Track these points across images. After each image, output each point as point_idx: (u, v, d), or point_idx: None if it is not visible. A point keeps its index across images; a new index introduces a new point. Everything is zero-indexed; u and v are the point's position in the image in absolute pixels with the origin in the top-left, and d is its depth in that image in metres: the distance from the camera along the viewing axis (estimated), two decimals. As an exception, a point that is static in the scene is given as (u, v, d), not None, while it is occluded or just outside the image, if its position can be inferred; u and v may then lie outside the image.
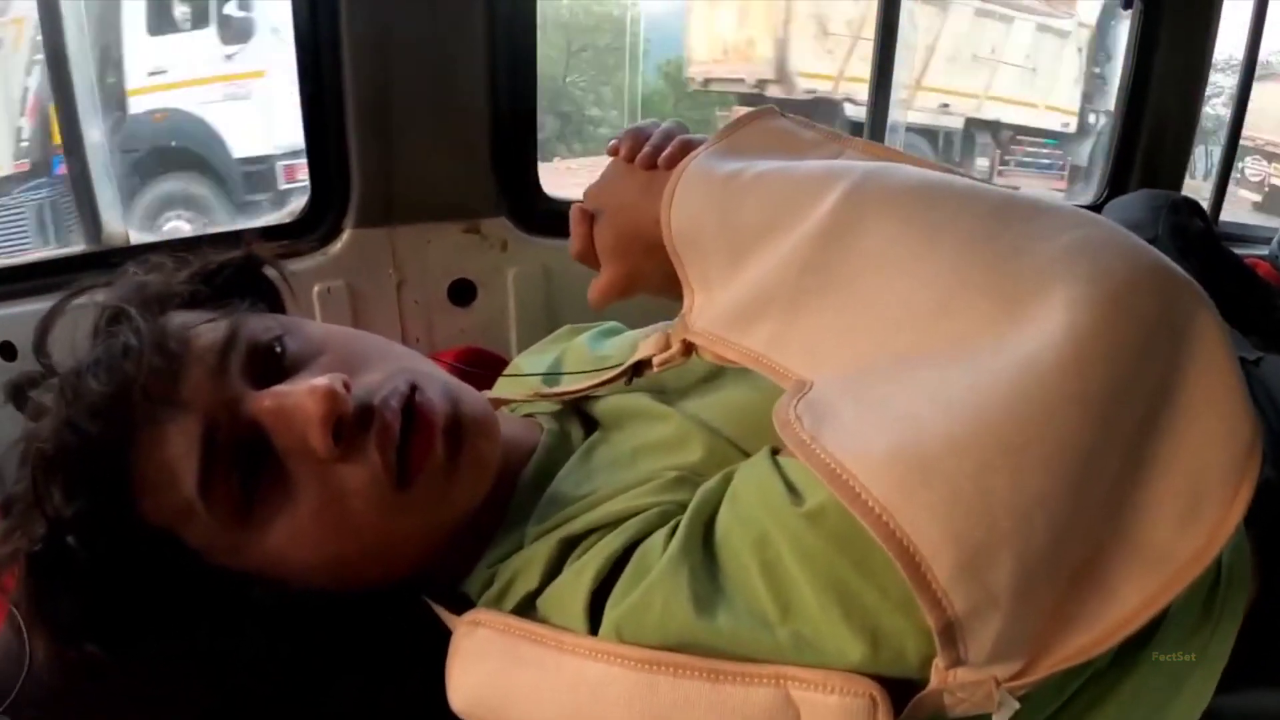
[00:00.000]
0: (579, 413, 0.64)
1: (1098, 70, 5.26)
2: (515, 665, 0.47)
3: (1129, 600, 0.36)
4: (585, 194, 0.65)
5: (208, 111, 3.14)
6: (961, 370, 0.38)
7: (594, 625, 0.45)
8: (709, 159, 0.54)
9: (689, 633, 0.41)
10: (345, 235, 1.05)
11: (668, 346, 0.56)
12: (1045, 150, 5.37)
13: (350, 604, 0.54)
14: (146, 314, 0.48)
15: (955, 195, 0.44)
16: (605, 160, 0.65)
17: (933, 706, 0.38)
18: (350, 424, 0.46)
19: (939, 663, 0.37)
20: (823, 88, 4.97)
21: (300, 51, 1.00)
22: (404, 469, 0.47)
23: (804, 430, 0.39)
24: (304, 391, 0.46)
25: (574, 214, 0.64)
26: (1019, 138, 5.29)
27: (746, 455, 0.50)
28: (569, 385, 0.66)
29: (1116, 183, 1.55)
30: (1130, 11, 1.49)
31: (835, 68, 4.91)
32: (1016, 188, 0.46)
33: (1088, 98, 5.34)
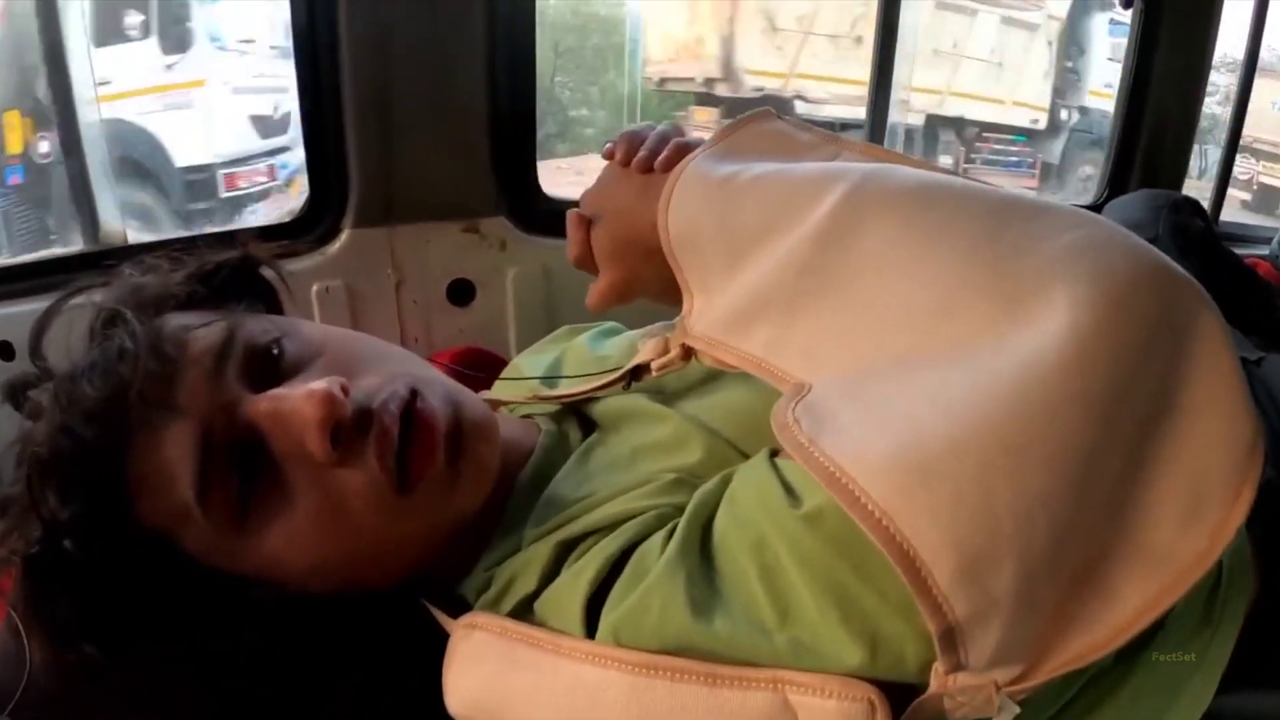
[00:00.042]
0: (577, 414, 0.64)
1: (1070, 64, 5.17)
2: (512, 668, 0.47)
3: (1130, 602, 0.36)
4: (582, 199, 0.65)
5: (150, 121, 3.17)
6: (962, 371, 0.37)
7: (591, 628, 0.45)
8: (705, 162, 0.54)
9: (686, 636, 0.41)
10: (344, 235, 1.05)
11: (666, 350, 0.56)
12: (1014, 148, 5.23)
13: (347, 606, 0.53)
14: (142, 316, 0.48)
15: (955, 196, 0.44)
16: (592, 159, 0.65)
17: (932, 711, 0.38)
18: (348, 428, 0.46)
19: (939, 667, 0.37)
20: (772, 85, 4.85)
21: (299, 51, 1.00)
22: (404, 474, 0.47)
23: (802, 433, 0.39)
24: (301, 395, 0.46)
25: (571, 219, 0.64)
26: (985, 135, 5.15)
27: (746, 457, 0.49)
28: (567, 388, 0.66)
29: (1116, 183, 1.55)
30: (1127, 11, 1.49)
31: (785, 64, 4.79)
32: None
33: (1060, 93, 5.21)
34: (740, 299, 0.50)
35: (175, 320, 0.50)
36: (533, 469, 0.57)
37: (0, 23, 2.31)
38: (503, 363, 0.88)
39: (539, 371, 0.72)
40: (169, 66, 3.14)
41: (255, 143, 3.37)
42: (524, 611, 0.49)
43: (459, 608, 0.53)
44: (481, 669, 0.49)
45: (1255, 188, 5.23)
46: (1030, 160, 5.20)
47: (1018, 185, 4.99)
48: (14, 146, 2.47)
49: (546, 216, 1.11)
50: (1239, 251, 1.20)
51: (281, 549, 0.48)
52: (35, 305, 0.54)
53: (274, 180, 3.46)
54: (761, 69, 4.88)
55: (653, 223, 0.55)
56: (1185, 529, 0.36)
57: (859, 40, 4.76)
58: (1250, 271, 1.15)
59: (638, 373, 0.60)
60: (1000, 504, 0.34)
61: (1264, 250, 1.43)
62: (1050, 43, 5.17)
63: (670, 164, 0.57)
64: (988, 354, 0.37)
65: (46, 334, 0.52)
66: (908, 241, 0.43)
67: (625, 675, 0.42)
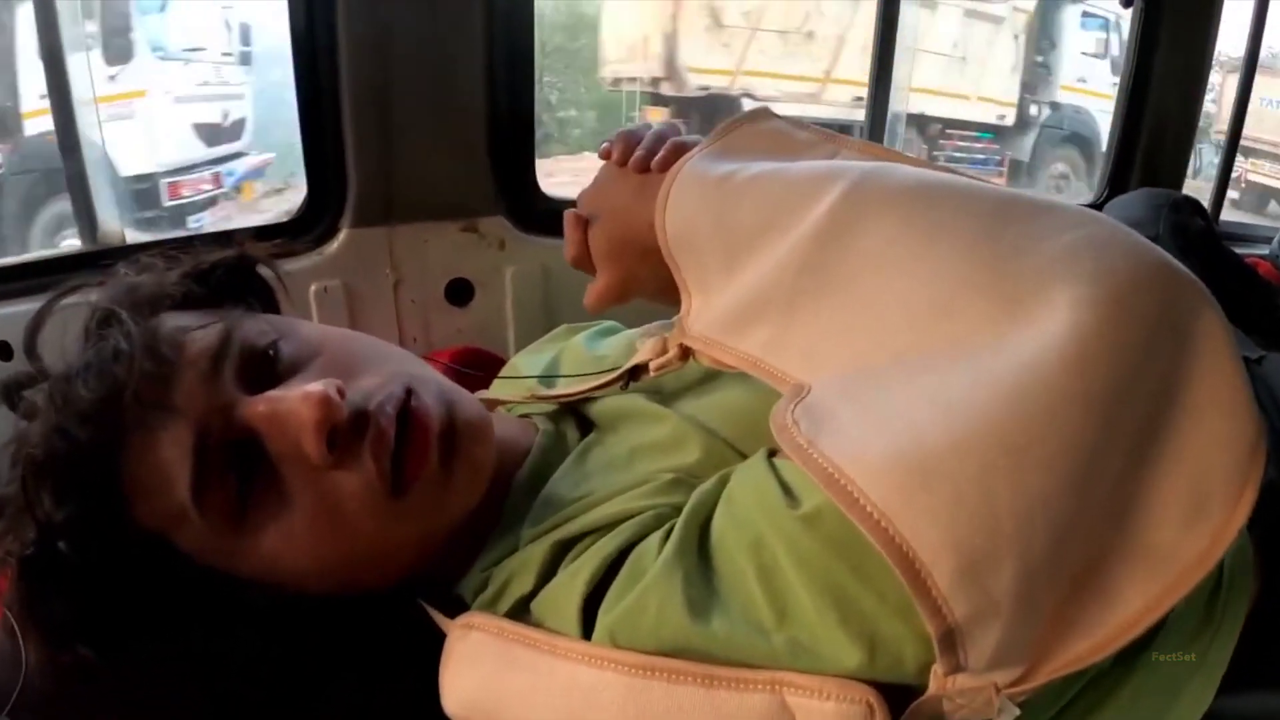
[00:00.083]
0: (575, 413, 0.64)
1: (1040, 59, 5.11)
2: (509, 669, 0.47)
3: (1132, 603, 0.36)
4: (579, 199, 0.65)
5: (90, 134, 3.20)
6: (962, 371, 0.37)
7: (588, 629, 0.44)
8: (702, 161, 0.54)
9: (683, 637, 0.41)
10: (342, 234, 1.05)
11: (665, 351, 0.56)
12: (979, 144, 5.16)
13: (344, 607, 0.53)
14: (137, 316, 0.48)
15: (955, 195, 0.43)
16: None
17: (931, 713, 0.38)
18: (345, 430, 0.46)
19: (938, 669, 0.37)
20: (719, 83, 4.77)
21: (297, 50, 0.99)
22: (399, 476, 0.47)
23: (801, 435, 0.39)
24: (298, 397, 0.45)
25: (568, 219, 0.63)
26: (948, 131, 5.06)
27: (744, 457, 0.49)
28: (565, 387, 0.66)
29: (1116, 182, 1.55)
30: (1127, 10, 1.49)
31: (732, 62, 4.69)
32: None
33: (1029, 88, 5.17)
34: (738, 299, 0.50)
35: (172, 320, 0.49)
36: (530, 469, 0.57)
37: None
38: (501, 362, 0.88)
39: (537, 371, 0.72)
40: (111, 77, 3.17)
41: (199, 151, 3.39)
42: (521, 612, 0.49)
43: (456, 608, 0.53)
44: (478, 669, 0.48)
45: (1244, 185, 5.19)
46: (998, 158, 5.12)
47: (984, 183, 5.03)
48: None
49: (545, 216, 1.11)
50: (1239, 251, 1.20)
51: (278, 550, 0.48)
52: (33, 305, 0.54)
53: (219, 188, 3.49)
54: (707, 67, 4.78)
55: (650, 222, 0.54)
56: (1187, 529, 0.35)
57: (810, 35, 4.68)
58: (1251, 271, 1.15)
59: (636, 372, 0.60)
60: (1000, 505, 0.34)
61: (1264, 250, 1.42)
62: (1017, 36, 5.10)
63: (667, 163, 0.57)
64: (988, 354, 0.37)
65: (41, 333, 0.52)
66: (907, 240, 0.43)
67: (621, 676, 0.42)
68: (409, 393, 0.48)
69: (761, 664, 0.39)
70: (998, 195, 0.43)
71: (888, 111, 1.53)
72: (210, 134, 3.46)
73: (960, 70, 4.96)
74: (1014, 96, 5.14)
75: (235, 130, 3.57)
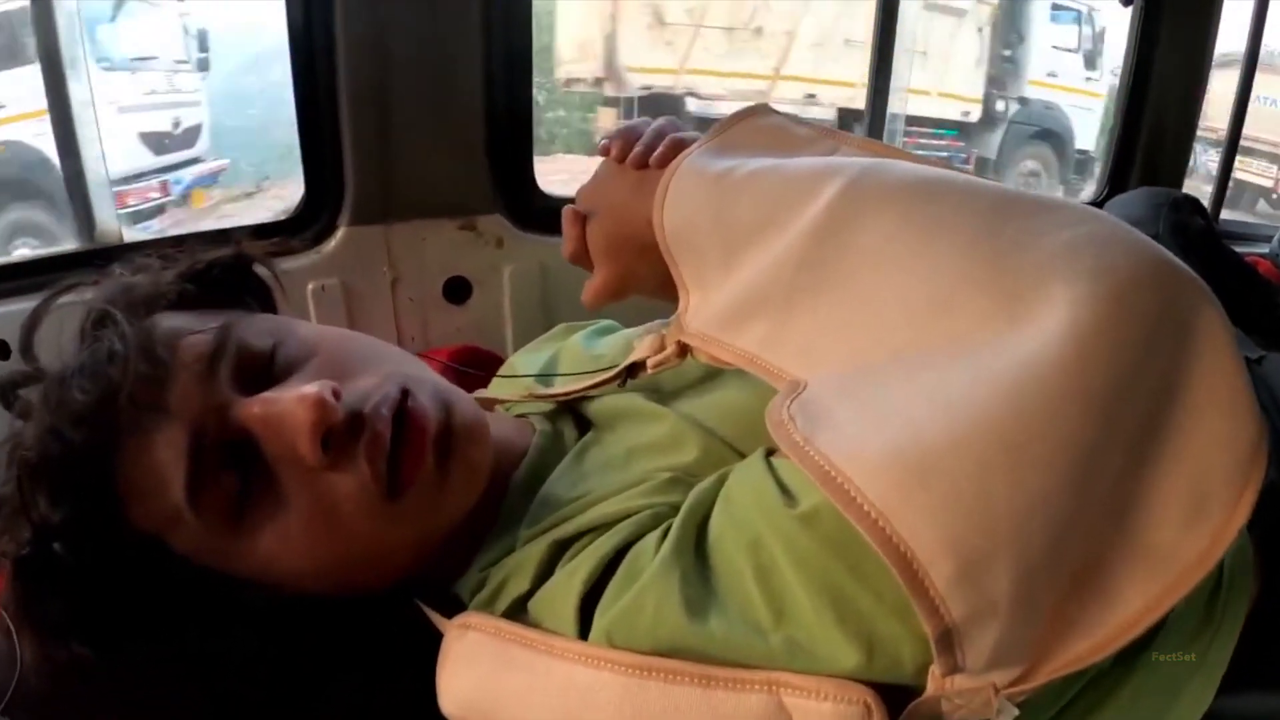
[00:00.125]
0: (572, 412, 0.64)
1: (1008, 53, 4.95)
2: (506, 669, 0.46)
3: (1131, 603, 0.36)
4: (577, 195, 0.64)
5: (43, 143, 3.19)
6: (961, 368, 0.37)
7: (585, 628, 0.44)
8: (701, 158, 0.53)
9: (680, 637, 0.40)
10: (340, 233, 1.05)
11: (662, 348, 0.56)
12: (942, 141, 4.98)
13: (342, 607, 0.53)
14: (132, 317, 0.47)
15: (955, 191, 0.43)
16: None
17: (929, 713, 0.38)
18: (340, 432, 0.46)
19: (935, 670, 0.36)
20: (662, 82, 4.63)
21: (294, 49, 0.99)
22: (395, 478, 0.47)
23: (797, 431, 0.39)
24: (293, 399, 0.45)
25: (566, 215, 0.63)
26: (909, 129, 4.84)
27: (742, 456, 0.49)
28: (563, 386, 0.66)
29: (1117, 180, 1.55)
30: (1127, 8, 1.48)
31: (676, 60, 4.55)
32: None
33: (996, 83, 4.97)
34: (736, 295, 0.49)
35: (167, 321, 0.49)
36: (527, 469, 0.57)
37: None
38: (499, 361, 0.88)
39: (535, 370, 0.72)
40: (52, 89, 3.20)
41: (147, 160, 3.40)
42: (518, 611, 0.49)
43: (454, 608, 0.52)
44: (475, 669, 0.48)
45: (1230, 183, 5.12)
46: (964, 155, 4.95)
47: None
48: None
49: (543, 214, 1.11)
50: (1239, 250, 1.20)
51: (274, 551, 0.48)
52: (31, 305, 0.54)
53: (167, 196, 3.49)
54: (649, 66, 4.67)
55: (648, 219, 0.54)
56: (1187, 529, 0.35)
57: (758, 31, 4.57)
58: (1251, 270, 1.15)
59: (633, 371, 0.60)
60: (998, 503, 0.33)
61: (1264, 249, 1.42)
62: (980, 29, 4.94)
63: (665, 160, 0.57)
64: (988, 351, 0.37)
65: (37, 332, 0.52)
66: (906, 237, 0.42)
67: (618, 676, 0.41)
68: (405, 394, 0.48)
69: (758, 664, 0.39)
70: (997, 192, 0.43)
71: (887, 109, 1.52)
72: (158, 143, 3.47)
73: (921, 65, 4.72)
74: (979, 92, 4.97)
75: (189, 138, 3.58)
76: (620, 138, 0.61)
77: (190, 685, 0.52)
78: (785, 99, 4.56)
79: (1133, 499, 0.36)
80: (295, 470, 0.46)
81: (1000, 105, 5.02)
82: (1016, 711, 0.37)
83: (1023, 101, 5.08)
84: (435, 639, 0.52)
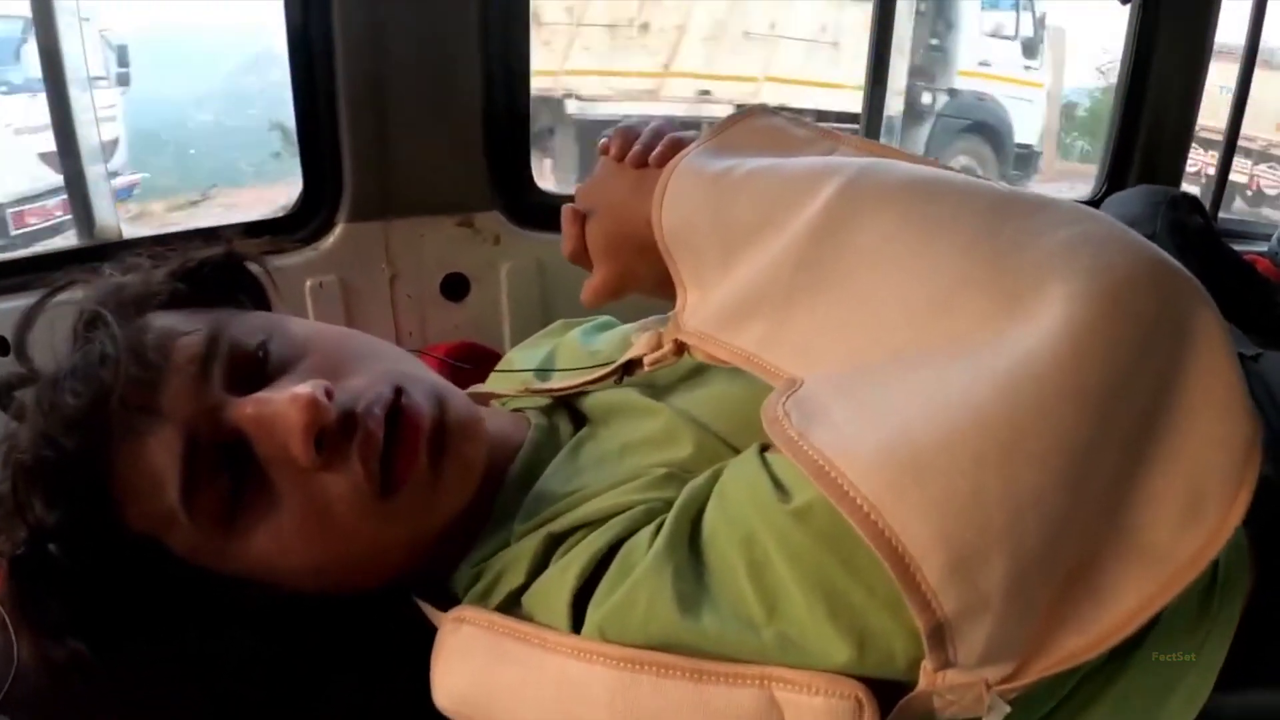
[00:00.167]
0: (568, 408, 0.64)
1: (935, 42, 4.62)
2: (499, 663, 0.46)
3: (1125, 601, 0.36)
4: (576, 194, 0.65)
5: None
6: (961, 368, 0.37)
7: (578, 623, 0.44)
8: (700, 157, 0.53)
9: (673, 632, 0.40)
10: (338, 229, 1.05)
11: (659, 346, 0.56)
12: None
13: (339, 606, 0.53)
14: (123, 318, 0.47)
15: (953, 191, 0.43)
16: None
17: (921, 709, 0.38)
18: (333, 432, 0.46)
19: (927, 665, 0.36)
20: (540, 85, 4.29)
21: (292, 46, 0.99)
22: (388, 478, 0.47)
23: (792, 427, 0.39)
24: (285, 399, 0.45)
25: (565, 214, 0.63)
26: (819, 124, 4.62)
27: (737, 452, 0.49)
28: (559, 381, 0.66)
29: (1115, 178, 1.55)
30: (1125, 7, 1.48)
31: (554, 61, 4.23)
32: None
33: (922, 74, 4.54)
34: (734, 294, 0.49)
35: (159, 321, 0.49)
36: (522, 464, 0.57)
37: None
38: (497, 357, 0.88)
39: (532, 365, 0.72)
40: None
41: (51, 179, 3.31)
42: (512, 605, 0.49)
43: (448, 602, 0.52)
44: (469, 663, 0.48)
45: (1203, 180, 5.00)
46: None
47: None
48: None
49: (541, 211, 1.11)
50: (1238, 248, 1.20)
51: (269, 551, 0.48)
52: (30, 301, 0.54)
53: (68, 215, 3.48)
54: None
55: (647, 218, 0.54)
56: (1183, 528, 0.35)
57: (645, 28, 4.37)
58: (1249, 268, 1.15)
59: (630, 367, 0.60)
60: (991, 499, 0.33)
61: (1263, 247, 1.42)
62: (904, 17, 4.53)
63: (665, 159, 0.57)
64: (987, 351, 0.37)
65: (31, 331, 0.52)
66: (905, 236, 0.42)
67: (610, 671, 0.41)
68: (399, 392, 0.48)
69: (751, 659, 0.39)
70: (995, 192, 0.43)
71: (884, 107, 1.52)
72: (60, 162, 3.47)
73: (831, 57, 4.40)
74: (900, 83, 4.45)
75: (103, 153, 3.57)
76: (619, 136, 0.62)
77: (188, 684, 0.52)
78: (676, 97, 4.35)
79: (1128, 497, 0.36)
80: (288, 471, 0.46)
81: (927, 98, 4.63)
82: (1008, 709, 0.37)
83: (952, 93, 4.75)
84: (432, 636, 0.52)
